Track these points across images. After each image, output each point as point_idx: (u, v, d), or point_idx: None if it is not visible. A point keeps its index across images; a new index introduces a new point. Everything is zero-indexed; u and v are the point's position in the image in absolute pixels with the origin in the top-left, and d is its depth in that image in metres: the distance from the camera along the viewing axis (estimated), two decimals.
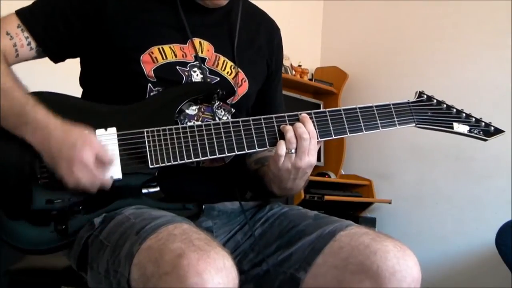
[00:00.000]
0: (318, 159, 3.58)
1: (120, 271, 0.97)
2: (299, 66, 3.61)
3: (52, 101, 1.15)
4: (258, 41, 1.34)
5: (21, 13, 1.21)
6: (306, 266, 1.10)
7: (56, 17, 1.21)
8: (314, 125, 1.17)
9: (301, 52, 3.68)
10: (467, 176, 3.23)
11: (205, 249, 0.88)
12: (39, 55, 1.24)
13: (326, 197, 3.08)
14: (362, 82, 3.71)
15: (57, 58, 1.26)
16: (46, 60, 1.27)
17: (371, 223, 3.40)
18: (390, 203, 3.45)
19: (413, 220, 3.40)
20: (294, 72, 3.57)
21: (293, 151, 1.13)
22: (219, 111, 1.25)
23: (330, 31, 3.98)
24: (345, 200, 3.36)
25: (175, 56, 1.21)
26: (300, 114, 1.17)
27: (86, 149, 1.06)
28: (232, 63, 1.27)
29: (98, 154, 1.07)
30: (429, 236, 3.30)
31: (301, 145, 1.13)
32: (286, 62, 3.39)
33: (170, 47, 1.21)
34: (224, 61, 1.26)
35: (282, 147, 1.13)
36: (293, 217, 1.21)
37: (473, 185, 3.20)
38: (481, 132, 1.31)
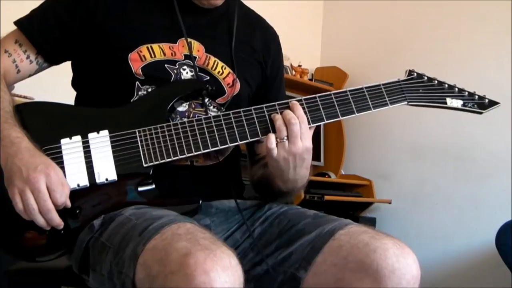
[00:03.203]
0: (318, 159, 3.59)
1: (125, 272, 0.96)
2: (299, 66, 3.61)
3: (46, 108, 1.17)
4: (252, 44, 1.35)
5: (19, 21, 1.25)
6: (306, 265, 1.10)
7: (51, 19, 1.23)
8: (305, 111, 1.17)
9: (301, 52, 3.68)
10: (467, 176, 3.23)
11: (211, 248, 0.88)
12: (40, 67, 1.26)
13: (326, 197, 3.08)
14: (362, 82, 3.66)
15: (53, 59, 1.28)
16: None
17: (371, 223, 3.40)
18: (390, 203, 3.45)
19: (413, 220, 3.40)
20: (294, 72, 3.57)
21: (284, 139, 1.13)
22: (210, 107, 1.26)
23: (330, 31, 3.98)
24: (345, 200, 3.36)
25: (164, 54, 1.22)
26: (290, 101, 1.18)
27: (41, 175, 1.03)
28: (223, 64, 1.27)
29: (50, 185, 1.04)
30: (429, 236, 3.30)
31: (291, 130, 1.13)
32: (286, 62, 3.39)
33: (159, 46, 1.22)
34: (215, 61, 1.27)
35: (271, 140, 1.13)
36: (292, 216, 1.22)
37: (473, 185, 3.20)
38: (476, 105, 1.29)
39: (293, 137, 1.13)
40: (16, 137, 1.08)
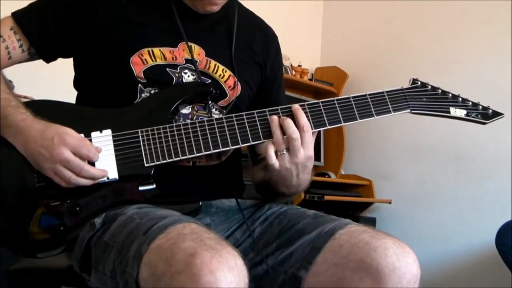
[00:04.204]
0: (318, 159, 3.59)
1: (128, 271, 0.97)
2: (299, 66, 3.62)
3: (46, 108, 1.18)
4: (252, 46, 1.35)
5: (16, 15, 1.24)
6: (307, 265, 1.10)
7: (49, 18, 1.23)
8: (308, 116, 1.17)
9: (301, 52, 3.68)
10: (467, 176, 3.23)
11: (217, 248, 0.89)
12: (31, 57, 1.26)
13: (326, 197, 3.08)
14: (362, 82, 3.71)
15: (49, 58, 1.28)
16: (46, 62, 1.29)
17: (371, 223, 3.40)
18: (390, 203, 3.45)
19: (413, 220, 3.40)
20: (294, 72, 3.57)
21: (284, 151, 1.13)
22: (213, 110, 1.26)
23: (330, 31, 3.98)
24: (345, 200, 3.36)
25: (165, 58, 1.22)
26: (293, 107, 1.17)
27: (61, 147, 1.06)
28: (223, 67, 1.27)
29: (74, 149, 1.07)
30: (429, 236, 3.30)
31: (292, 145, 1.12)
32: (286, 62, 3.39)
33: (160, 50, 1.22)
34: (215, 64, 1.27)
35: (271, 156, 1.12)
36: (293, 216, 1.22)
37: (473, 185, 3.20)
38: (479, 116, 1.28)
39: (295, 150, 1.12)
40: (21, 120, 1.10)
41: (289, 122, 1.13)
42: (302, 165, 1.14)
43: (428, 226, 3.34)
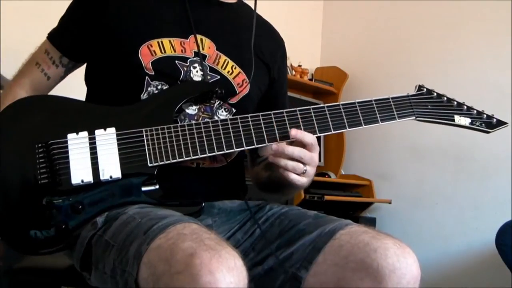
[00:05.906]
0: (318, 159, 3.59)
1: (128, 271, 0.97)
2: (299, 66, 3.61)
3: (54, 103, 1.18)
4: (261, 48, 1.35)
5: (50, 32, 1.30)
6: (307, 265, 1.10)
7: (69, 20, 1.28)
8: (312, 120, 1.18)
9: (301, 52, 3.68)
10: (467, 176, 3.24)
11: (217, 248, 0.89)
12: (67, 68, 1.30)
13: (326, 197, 3.08)
14: (362, 82, 3.71)
15: (73, 57, 1.29)
16: None
17: (371, 223, 3.40)
18: (390, 203, 3.45)
19: (413, 220, 3.41)
20: (294, 72, 3.57)
21: (305, 169, 1.16)
22: (220, 111, 1.26)
23: (330, 31, 3.98)
24: (345, 200, 3.36)
25: (174, 50, 1.22)
26: (297, 114, 1.18)
27: None
28: (233, 63, 1.27)
29: None
30: (429, 236, 3.30)
31: (306, 159, 1.16)
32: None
33: (169, 41, 1.22)
34: (225, 60, 1.26)
35: (294, 179, 1.15)
36: (293, 217, 1.22)
37: (473, 185, 3.20)
38: (483, 124, 1.30)
39: (307, 161, 1.16)
40: None
41: (298, 149, 1.15)
42: (314, 165, 1.19)
43: (428, 226, 3.34)
